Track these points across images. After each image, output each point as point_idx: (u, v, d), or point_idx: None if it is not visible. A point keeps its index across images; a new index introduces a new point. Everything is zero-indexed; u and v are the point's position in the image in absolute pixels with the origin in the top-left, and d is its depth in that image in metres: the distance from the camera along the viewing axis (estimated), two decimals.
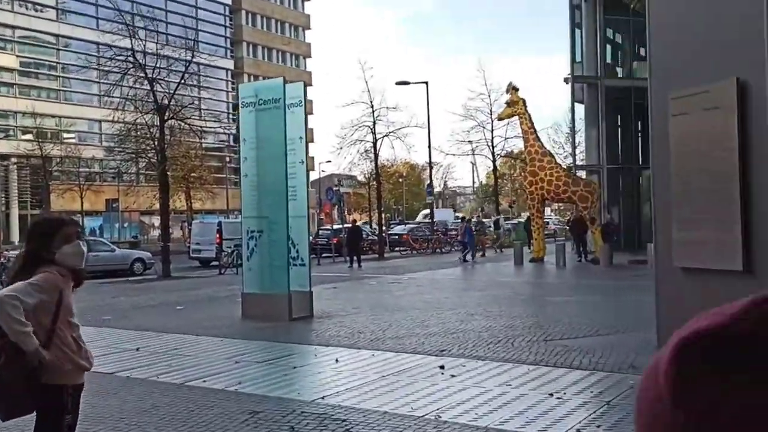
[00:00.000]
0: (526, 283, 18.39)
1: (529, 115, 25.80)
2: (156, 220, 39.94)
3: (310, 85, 64.03)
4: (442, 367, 7.58)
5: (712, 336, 0.60)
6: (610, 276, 19.93)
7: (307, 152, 12.91)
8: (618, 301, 13.22)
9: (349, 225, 30.17)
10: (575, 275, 20.58)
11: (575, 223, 26.18)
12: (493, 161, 40.01)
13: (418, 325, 10.65)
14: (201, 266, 28.12)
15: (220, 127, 46.43)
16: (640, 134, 31.56)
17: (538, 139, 25.79)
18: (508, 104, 26.10)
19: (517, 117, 26.09)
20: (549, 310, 12.16)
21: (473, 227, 28.97)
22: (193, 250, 29.58)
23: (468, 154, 42.99)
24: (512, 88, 25.97)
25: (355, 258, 26.12)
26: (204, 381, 7.36)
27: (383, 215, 38.53)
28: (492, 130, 39.23)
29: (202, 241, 28.92)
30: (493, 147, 39.27)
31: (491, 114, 39.41)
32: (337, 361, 8.19)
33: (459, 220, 37.99)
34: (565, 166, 27.75)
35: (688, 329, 0.61)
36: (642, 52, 32.51)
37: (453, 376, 7.20)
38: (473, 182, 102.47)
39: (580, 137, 33.73)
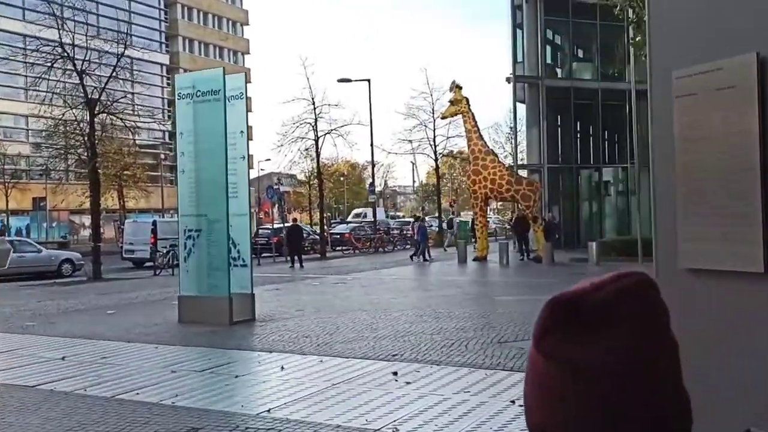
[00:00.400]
0: (472, 282, 18.20)
1: (473, 114, 25.74)
2: (86, 220, 38.16)
3: (249, 82, 62.79)
4: (395, 373, 7.17)
5: (574, 300, 0.78)
6: (554, 274, 19.96)
7: (248, 147, 12.29)
8: None
9: (290, 224, 29.49)
10: (520, 274, 20.54)
11: (518, 221, 26.26)
12: (435, 160, 39.93)
13: (367, 328, 10.22)
14: (134, 267, 26.95)
15: (155, 123, 44.88)
16: (579, 134, 32.04)
17: (481, 138, 25.74)
18: (452, 103, 25.95)
19: (460, 116, 25.99)
20: (499, 310, 11.92)
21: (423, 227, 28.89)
22: (126, 250, 28.36)
23: (410, 153, 42.82)
24: (456, 87, 25.85)
25: (296, 258, 25.50)
26: (137, 393, 6.75)
27: (324, 214, 37.94)
28: (434, 129, 39.15)
29: (135, 241, 27.74)
30: (435, 146, 39.18)
31: (434, 113, 39.37)
32: (282, 368, 7.67)
33: (406, 219, 37.76)
34: (507, 165, 27.81)
35: (560, 293, 0.79)
36: (581, 53, 33.00)
37: (408, 383, 6.80)
38: (413, 181, 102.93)
39: (521, 137, 34.00)
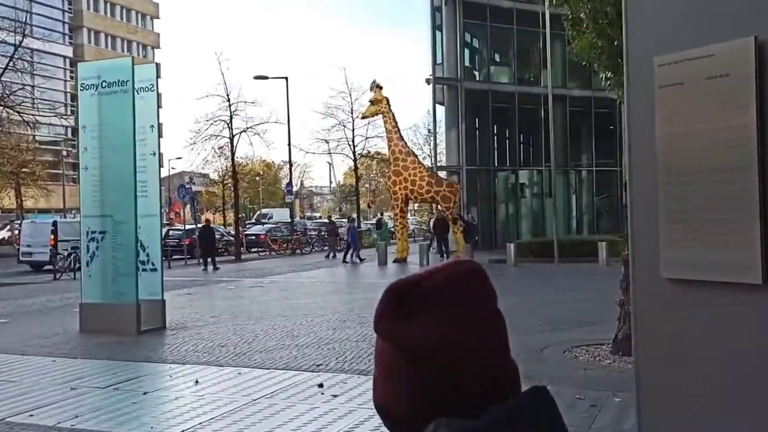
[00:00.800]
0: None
1: (393, 115, 25.53)
2: None
3: (159, 76, 60.49)
4: (321, 385, 6.69)
5: (404, 288, 0.86)
6: None
7: (159, 143, 11.47)
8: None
9: (202, 225, 28.31)
10: None
11: (437, 223, 26.23)
12: (354, 161, 39.57)
13: (288, 336, 9.67)
14: (32, 271, 25.14)
15: (57, 117, 42.38)
16: (496, 136, 32.46)
17: (401, 138, 25.57)
18: (372, 102, 25.66)
19: (380, 116, 25.73)
20: None
21: (334, 227, 28.48)
22: (24, 253, 26.41)
23: (328, 153, 42.27)
24: (376, 86, 25.57)
25: (209, 260, 24.46)
26: (31, 415, 5.99)
27: (239, 215, 36.83)
28: (353, 129, 38.82)
29: (33, 242, 25.87)
30: (354, 146, 38.83)
31: (353, 113, 39.04)
32: (197, 382, 7.04)
33: (323, 221, 37.09)
34: (427, 167, 27.76)
35: (397, 280, 0.89)
36: (497, 57, 33.46)
37: (335, 396, 6.34)
38: (330, 182, 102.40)
39: (440, 138, 34.14)
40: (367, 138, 39.67)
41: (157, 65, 13.46)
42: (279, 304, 13.46)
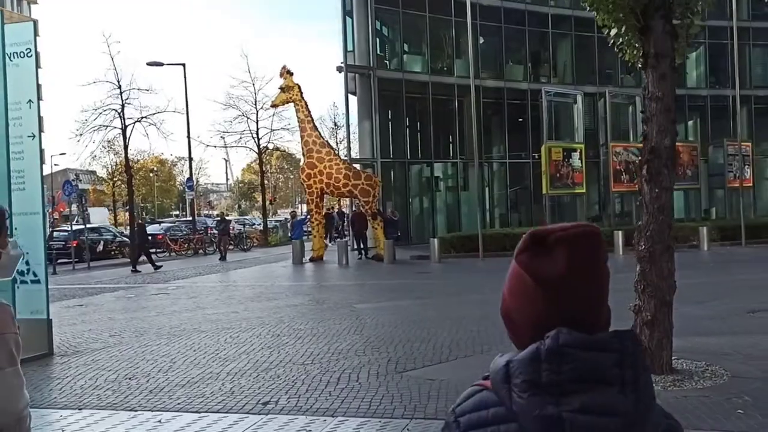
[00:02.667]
0: (319, 287, 16.12)
1: (306, 103, 23.71)
2: None
3: (38, 35, 55.45)
4: None
5: (548, 231, 1.11)
6: (401, 273, 18.59)
7: (40, 123, 9.20)
8: (440, 305, 11.56)
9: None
10: (366, 275, 18.87)
11: (356, 218, 24.69)
12: (259, 154, 37.30)
13: (214, 359, 7.81)
14: None
15: None
16: (410, 128, 31.23)
17: (315, 128, 23.78)
18: (283, 90, 23.70)
19: (291, 105, 23.83)
20: (368, 321, 10.02)
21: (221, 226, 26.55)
22: None
23: (232, 146, 39.74)
24: (286, 72, 23.64)
25: (139, 261, 21.93)
26: None
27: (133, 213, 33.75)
28: (257, 121, 36.55)
29: None
30: (258, 139, 36.56)
31: (256, 104, 36.76)
32: None
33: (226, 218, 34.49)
34: (344, 159, 26.05)
35: (537, 228, 1.15)
36: (410, 45, 32.22)
37: None
38: (227, 178, 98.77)
39: (352, 130, 32.51)
40: (272, 130, 37.56)
41: (35, 22, 11.03)
42: (193, 316, 11.45)
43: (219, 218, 31.45)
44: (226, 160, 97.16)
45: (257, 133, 36.65)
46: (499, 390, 1.08)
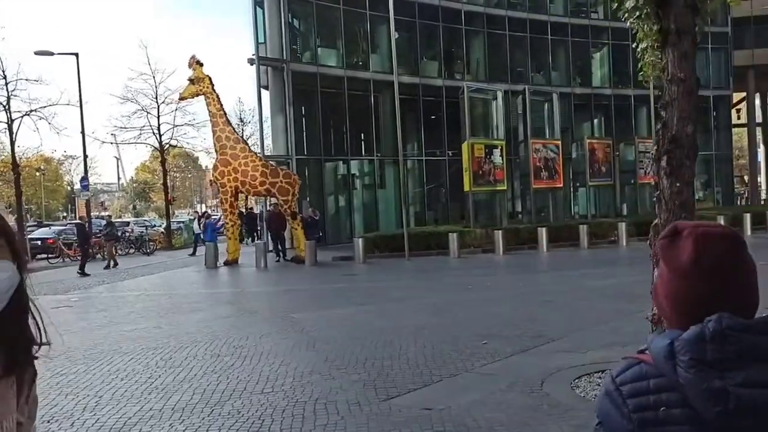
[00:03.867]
0: (244, 294, 14.74)
1: (218, 95, 22.21)
2: None
3: None
4: None
5: (680, 228, 1.25)
6: (329, 277, 17.56)
7: None
8: (388, 313, 10.65)
9: (77, 222, 22.87)
10: (292, 279, 17.70)
11: (272, 218, 23.39)
12: (161, 151, 35.08)
13: (149, 389, 6.54)
14: None
15: None
16: (325, 124, 30.15)
17: (229, 123, 22.30)
18: (192, 81, 22.07)
19: (201, 99, 22.25)
20: (317, 334, 8.98)
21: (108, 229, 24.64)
22: None
23: (130, 143, 37.19)
24: (196, 63, 22.04)
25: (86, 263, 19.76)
26: None
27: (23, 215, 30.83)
28: (158, 116, 34.33)
29: None
30: (160, 135, 34.35)
31: (157, 98, 34.52)
32: None
33: (124, 220, 32.14)
34: (260, 155, 24.56)
35: (678, 222, 1.31)
36: (321, 40, 31.11)
37: None
38: (119, 178, 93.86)
39: (252, 126, 31.03)
40: (175, 126, 35.42)
41: None
42: (108, 333, 9.98)
43: (105, 222, 28.98)
44: (118, 159, 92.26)
45: (159, 129, 34.48)
46: (662, 364, 1.20)
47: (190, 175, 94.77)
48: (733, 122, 47.03)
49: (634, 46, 6.57)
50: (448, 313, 10.26)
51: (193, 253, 27.63)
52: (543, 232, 21.82)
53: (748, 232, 24.59)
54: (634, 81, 39.08)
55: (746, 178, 53.92)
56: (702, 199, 39.82)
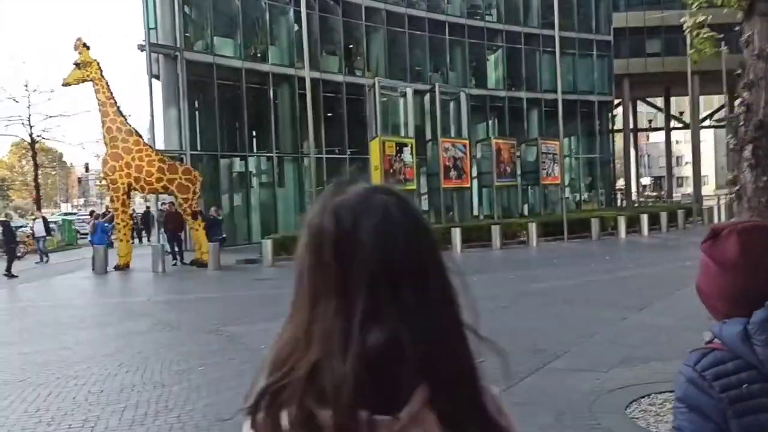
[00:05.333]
0: (155, 304, 12.99)
1: (107, 82, 20.11)
2: None
3: None
4: None
5: (720, 228, 1.44)
6: (243, 283, 16.17)
7: None
8: None
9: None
10: (202, 286, 16.11)
11: (169, 218, 21.50)
12: (32, 144, 31.75)
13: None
14: None
15: None
16: (222, 118, 28.31)
17: (120, 113, 20.21)
18: (78, 66, 19.81)
19: (90, 84, 20.02)
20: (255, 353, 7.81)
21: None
22: None
23: None
24: (82, 46, 19.82)
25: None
26: None
27: None
28: (29, 106, 31.05)
29: None
30: (31, 127, 31.08)
31: (27, 85, 31.18)
32: None
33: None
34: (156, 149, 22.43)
35: (717, 223, 1.89)
36: (216, 29, 29.23)
37: None
38: None
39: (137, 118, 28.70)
40: (49, 117, 32.23)
41: None
42: (7, 357, 8.27)
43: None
44: None
45: (29, 120, 31.21)
46: (739, 347, 1.35)
47: (53, 173, 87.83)
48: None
49: (682, 21, 5.94)
50: None
51: (41, 260, 24.59)
52: (456, 233, 21.46)
53: (645, 233, 25.57)
54: (527, 84, 40.13)
55: (621, 181, 57.04)
56: (587, 200, 41.58)
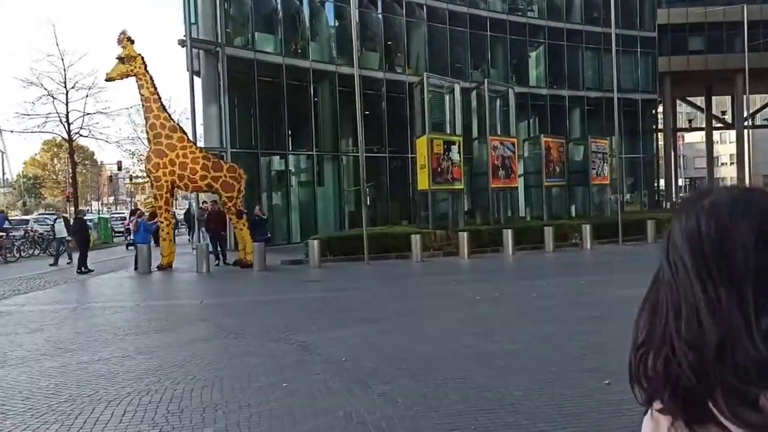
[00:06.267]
0: (208, 307, 12.31)
1: (151, 77, 19.62)
2: None
3: None
4: None
5: None
6: (294, 285, 15.50)
7: None
8: (415, 334, 8.86)
9: None
10: (252, 287, 15.50)
11: (212, 217, 20.96)
12: (69, 141, 31.50)
13: None
14: None
15: None
16: (263, 115, 27.74)
17: (164, 108, 19.71)
18: (122, 60, 19.34)
19: (134, 79, 19.54)
20: (365, 368, 7.07)
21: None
22: None
23: (35, 131, 33.29)
24: (126, 39, 19.34)
25: None
26: None
27: None
28: (67, 103, 30.79)
29: None
30: (69, 124, 30.81)
31: (66, 82, 30.93)
32: None
33: (22, 218, 28.43)
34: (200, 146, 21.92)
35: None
36: (256, 25, 28.67)
37: None
38: (3, 173, 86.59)
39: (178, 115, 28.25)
40: (86, 114, 31.92)
41: None
42: (65, 366, 7.65)
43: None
44: (3, 152, 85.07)
45: (67, 117, 30.95)
46: None
47: (84, 170, 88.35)
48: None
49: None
50: (491, 332, 8.61)
51: (55, 263, 22.57)
52: (509, 234, 20.62)
53: None
54: (569, 82, 39.07)
55: (661, 181, 55.59)
56: (630, 201, 40.35)
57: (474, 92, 25.80)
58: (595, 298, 11.22)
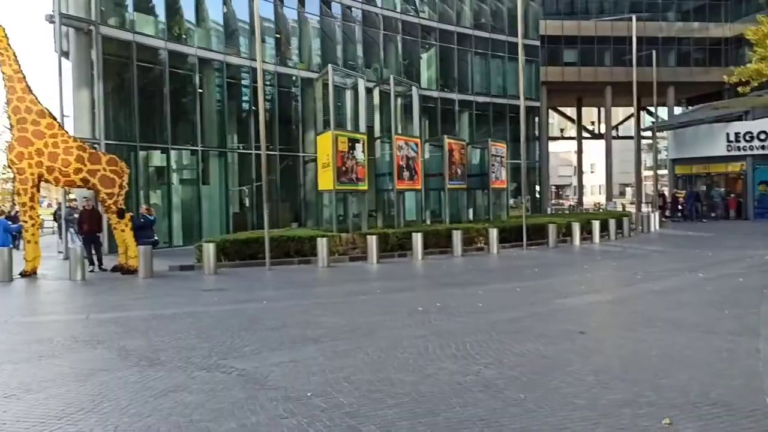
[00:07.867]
0: (98, 322, 10.15)
1: (15, 54, 16.87)
2: None
3: None
4: None
5: None
6: (195, 295, 13.52)
7: None
8: (384, 355, 7.42)
9: None
10: (146, 298, 13.28)
11: (86, 216, 18.33)
12: None
13: None
14: None
15: None
16: (142, 104, 25.04)
17: (30, 90, 16.90)
18: None
19: None
20: (338, 408, 5.57)
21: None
22: None
23: None
24: None
25: None
26: None
27: None
28: None
29: None
30: None
31: None
32: None
33: None
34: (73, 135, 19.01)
35: None
36: (138, 4, 25.93)
37: None
38: None
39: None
40: None
41: None
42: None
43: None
44: None
45: None
46: None
47: None
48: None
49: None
50: (468, 354, 7.38)
51: None
52: (418, 238, 19.62)
53: (597, 240, 24.82)
54: (459, 86, 39.03)
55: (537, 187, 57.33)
56: (514, 206, 40.97)
57: (377, 89, 24.69)
58: (552, 307, 10.34)
